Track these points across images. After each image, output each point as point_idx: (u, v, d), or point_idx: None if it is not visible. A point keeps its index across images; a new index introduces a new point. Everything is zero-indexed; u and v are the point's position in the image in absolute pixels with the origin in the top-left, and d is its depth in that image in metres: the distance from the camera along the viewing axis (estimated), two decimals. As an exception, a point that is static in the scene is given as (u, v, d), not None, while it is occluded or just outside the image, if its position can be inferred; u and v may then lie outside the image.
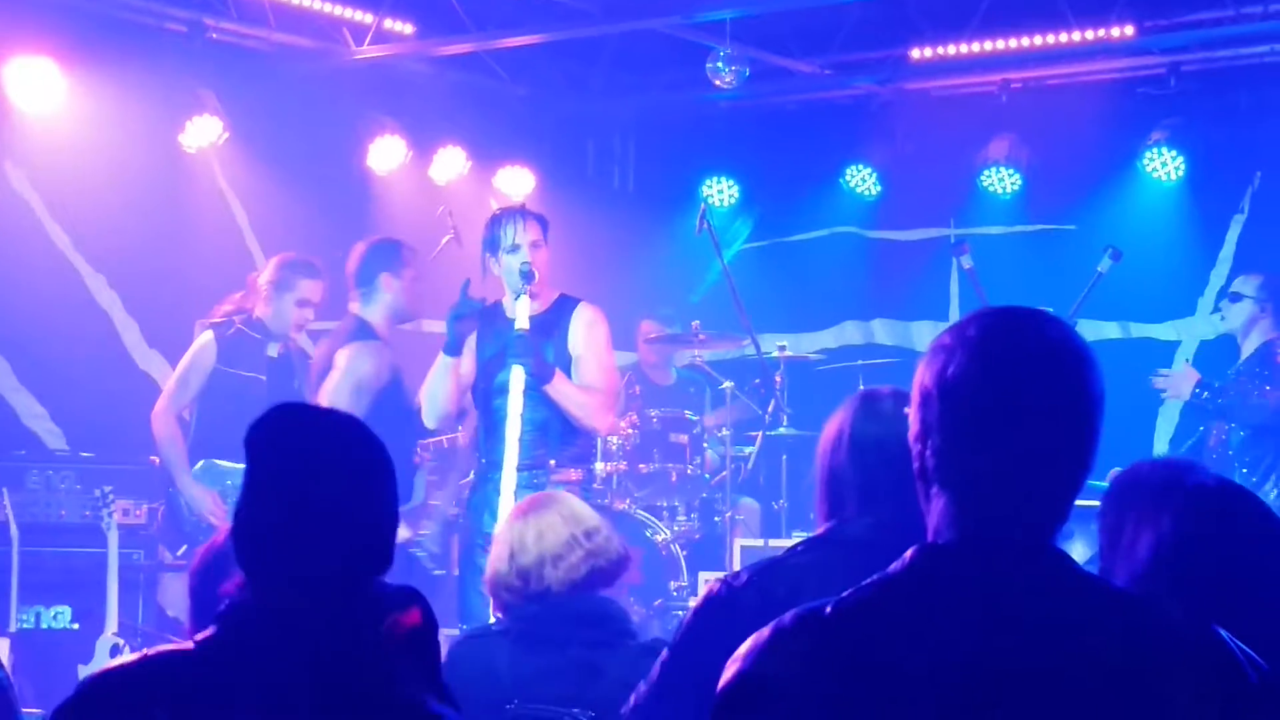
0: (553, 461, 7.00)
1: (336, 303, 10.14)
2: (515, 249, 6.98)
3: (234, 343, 8.06)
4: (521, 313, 6.89)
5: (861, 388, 3.86)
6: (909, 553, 2.23)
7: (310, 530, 2.50)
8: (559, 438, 7.01)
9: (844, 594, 2.22)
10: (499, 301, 7.16)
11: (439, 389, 7.17)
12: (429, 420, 7.28)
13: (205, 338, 8.10)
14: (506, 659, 4.26)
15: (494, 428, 7.05)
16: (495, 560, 4.41)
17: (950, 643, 2.12)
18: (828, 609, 2.20)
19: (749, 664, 2.21)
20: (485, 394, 7.13)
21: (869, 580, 2.25)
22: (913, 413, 2.29)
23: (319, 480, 2.53)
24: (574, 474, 7.06)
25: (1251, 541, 2.88)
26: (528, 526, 4.38)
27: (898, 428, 3.53)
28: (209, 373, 8.03)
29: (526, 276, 6.89)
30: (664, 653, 3.59)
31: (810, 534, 3.68)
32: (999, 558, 2.18)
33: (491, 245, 7.07)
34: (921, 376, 2.29)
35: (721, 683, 2.23)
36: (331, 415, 2.68)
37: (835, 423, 3.68)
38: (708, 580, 3.66)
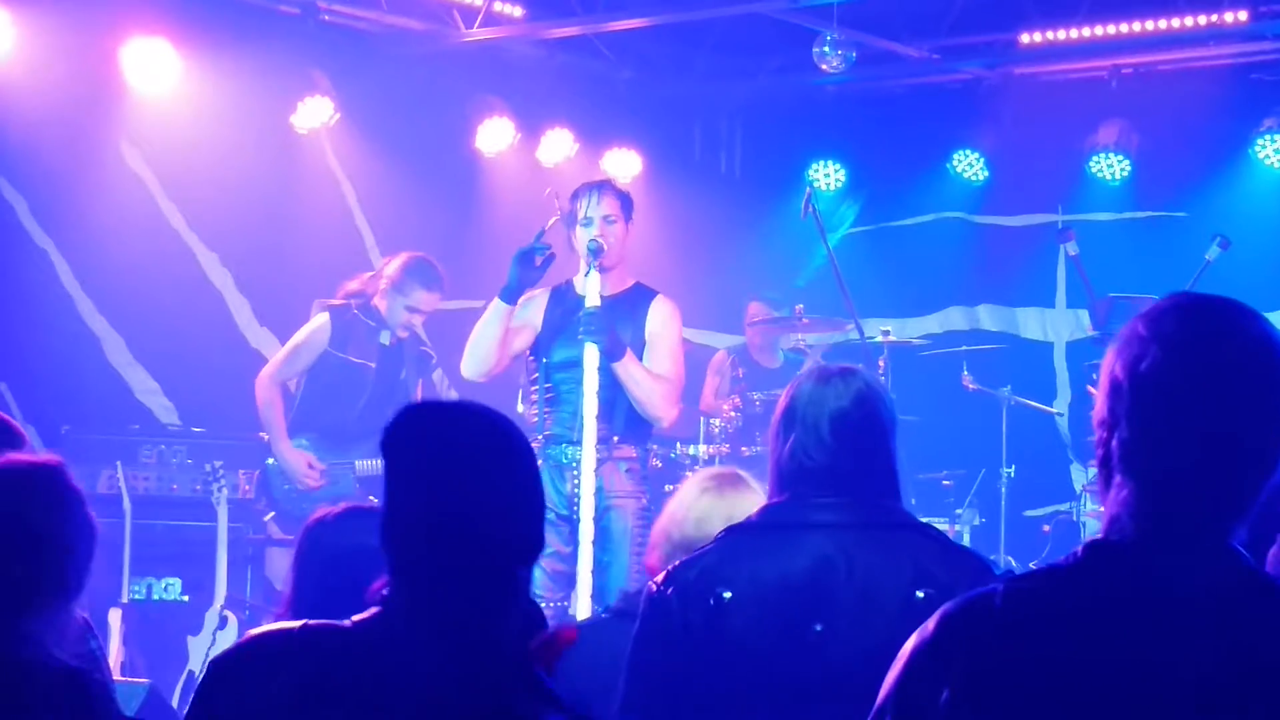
0: (616, 437, 6.96)
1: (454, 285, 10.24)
2: (588, 222, 6.96)
3: (348, 327, 8.14)
4: (592, 290, 6.83)
5: (818, 365, 3.84)
6: (1081, 546, 2.21)
7: (453, 523, 2.50)
8: (624, 415, 6.97)
9: (1015, 582, 2.21)
10: (571, 280, 7.13)
11: (486, 334, 7.04)
12: (467, 369, 7.14)
13: (321, 319, 8.19)
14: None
15: (556, 403, 7.01)
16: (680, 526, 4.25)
17: (1124, 642, 2.11)
18: (997, 600, 2.18)
19: (911, 655, 2.22)
20: (547, 369, 7.05)
21: (1039, 569, 2.24)
22: (1100, 401, 2.25)
23: (457, 472, 2.53)
24: (633, 451, 7.02)
25: None
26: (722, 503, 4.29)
27: (835, 405, 3.59)
28: (320, 353, 8.12)
29: (595, 251, 6.83)
30: (626, 657, 3.64)
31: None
32: (1179, 556, 2.15)
33: (570, 218, 7.07)
34: (1112, 365, 2.23)
35: (891, 675, 2.24)
36: (465, 407, 2.66)
37: (780, 402, 3.71)
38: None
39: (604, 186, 7.12)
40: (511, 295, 7.02)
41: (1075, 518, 9.08)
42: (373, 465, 8.05)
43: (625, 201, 7.07)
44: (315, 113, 9.43)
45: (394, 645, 2.47)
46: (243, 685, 2.47)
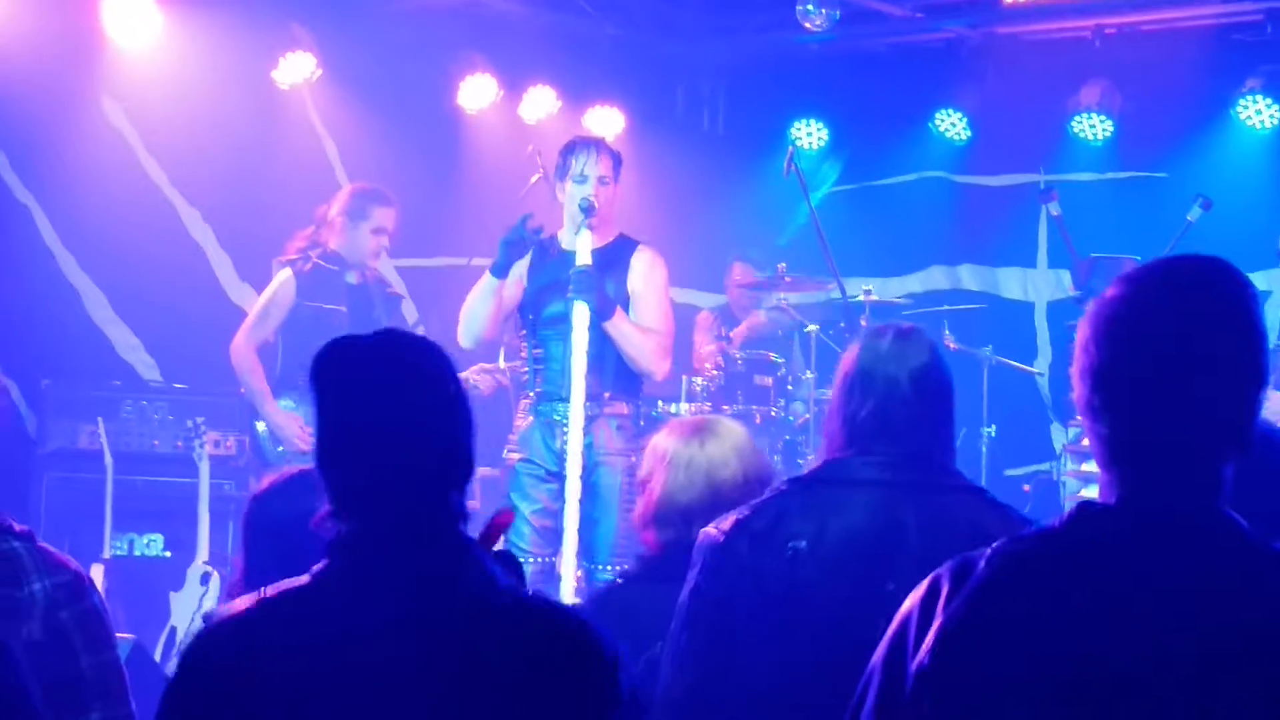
0: (607, 394, 6.96)
1: (422, 239, 10.23)
2: (582, 179, 6.94)
3: (312, 277, 8.13)
4: (583, 248, 6.84)
5: (884, 324, 3.84)
6: (1071, 508, 2.23)
7: (386, 452, 2.52)
8: (613, 371, 6.97)
9: (1001, 545, 2.22)
10: (554, 235, 7.13)
11: (480, 309, 7.11)
12: (464, 340, 7.18)
13: (284, 275, 8.18)
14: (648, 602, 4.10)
15: (544, 359, 7.04)
16: (676, 486, 4.23)
17: (1104, 604, 2.11)
18: (982, 562, 2.20)
19: (904, 615, 2.24)
20: (534, 325, 7.09)
21: (1028, 533, 2.25)
22: (1077, 363, 2.26)
23: (384, 400, 2.55)
24: (624, 408, 7.03)
25: None
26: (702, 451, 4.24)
27: (907, 365, 3.60)
28: (290, 308, 8.11)
29: (586, 210, 6.84)
30: (681, 604, 3.64)
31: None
32: (1167, 518, 2.16)
33: (561, 171, 7.05)
34: (1087, 329, 2.24)
35: (886, 637, 2.26)
36: (387, 336, 2.69)
37: (846, 359, 3.69)
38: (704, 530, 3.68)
39: (600, 145, 7.11)
40: (502, 271, 7.08)
41: (1055, 477, 9.13)
42: None
43: (617, 162, 7.08)
44: (297, 68, 9.41)
45: (352, 589, 2.48)
46: (215, 676, 2.47)
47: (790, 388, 9.23)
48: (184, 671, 2.52)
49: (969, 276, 11.24)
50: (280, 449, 8.15)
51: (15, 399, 8.81)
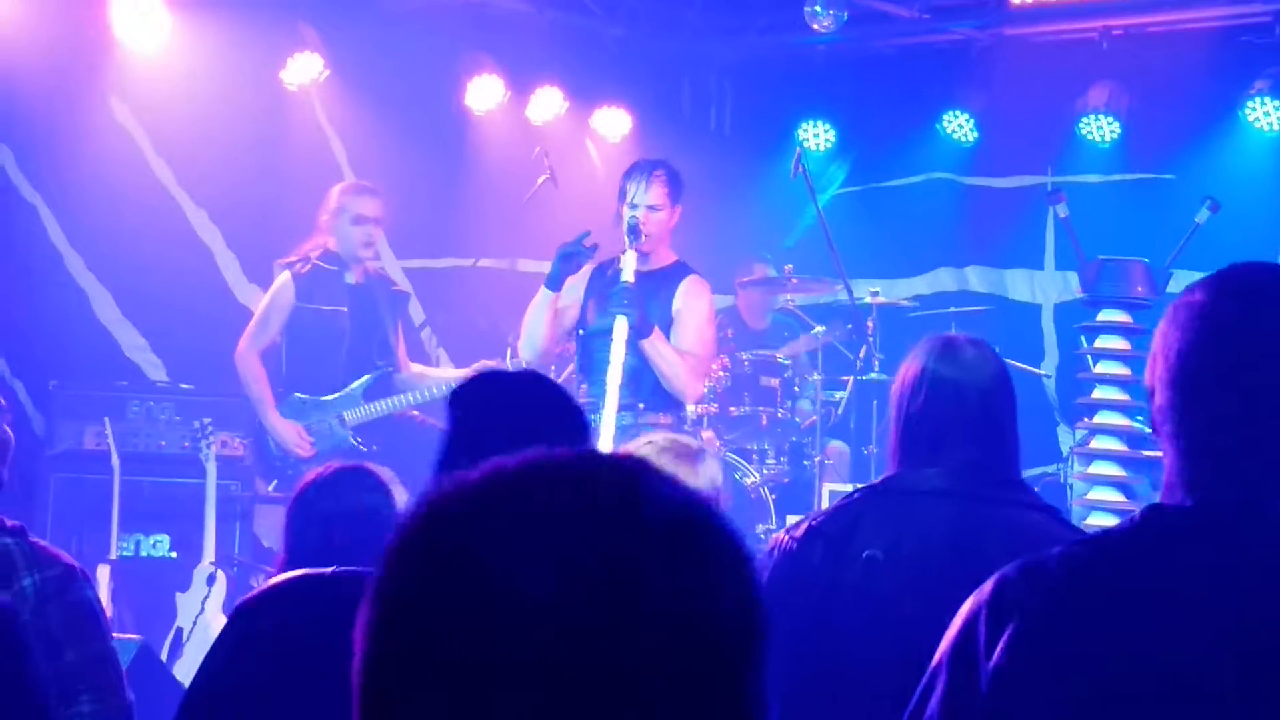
0: (641, 405, 7.14)
1: (429, 240, 10.24)
2: (634, 206, 7.15)
3: (311, 278, 8.16)
4: (628, 266, 7.05)
5: (948, 333, 3.82)
6: (1138, 512, 2.22)
7: None
8: (651, 384, 7.16)
9: (1063, 550, 2.21)
10: (617, 255, 7.29)
11: (536, 322, 7.31)
12: (524, 352, 7.39)
13: (283, 278, 8.22)
14: None
15: (591, 370, 7.23)
16: None
17: (1179, 609, 2.11)
18: (1054, 564, 2.19)
19: (969, 616, 2.23)
20: (586, 338, 7.32)
21: (1095, 535, 2.25)
22: (1148, 371, 2.26)
23: (517, 442, 2.56)
24: (664, 419, 7.16)
25: None
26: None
27: (975, 375, 3.56)
28: (289, 311, 8.14)
29: (633, 233, 7.07)
30: None
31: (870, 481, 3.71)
32: (1231, 523, 2.16)
33: (620, 193, 7.26)
34: (1158, 335, 2.25)
35: (949, 636, 2.26)
36: (525, 377, 2.73)
37: (912, 366, 3.64)
38: (772, 533, 3.67)
39: (654, 175, 7.26)
40: (555, 283, 7.29)
41: (1062, 479, 9.10)
42: (363, 412, 8.11)
43: (674, 189, 7.26)
44: (305, 69, 9.42)
45: None
46: (260, 619, 2.50)
47: (797, 389, 9.23)
48: (236, 614, 2.57)
49: (976, 278, 11.23)
50: (283, 452, 8.16)
51: (21, 399, 8.82)
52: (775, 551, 3.59)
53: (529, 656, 1.16)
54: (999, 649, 2.17)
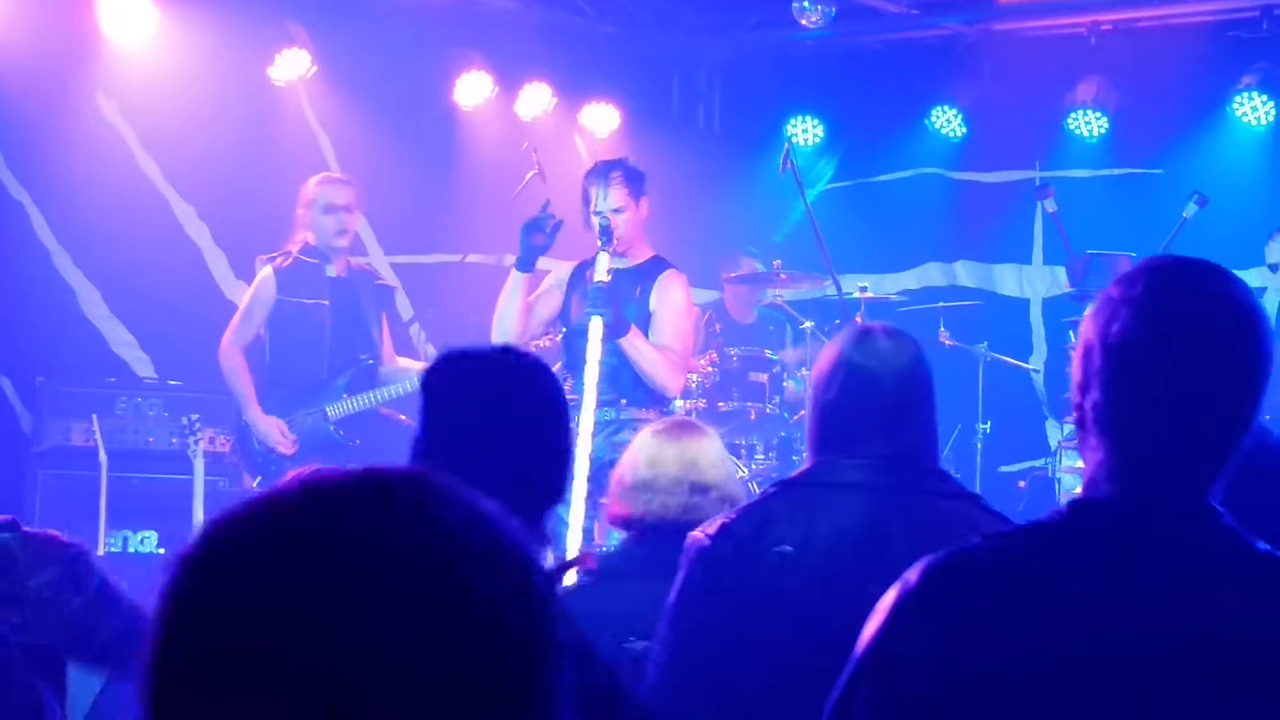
0: (624, 400, 7.17)
1: (417, 236, 10.23)
2: (599, 212, 7.18)
3: (292, 272, 8.16)
4: (601, 266, 7.05)
5: (867, 323, 3.80)
6: (1065, 504, 2.23)
7: (489, 467, 2.50)
8: (632, 380, 7.18)
9: (989, 541, 2.22)
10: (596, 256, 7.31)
11: (508, 307, 7.32)
12: (496, 338, 7.30)
13: (264, 273, 8.23)
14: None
15: (574, 368, 7.23)
16: (633, 470, 4.39)
17: (1104, 600, 2.12)
18: (981, 554, 2.20)
19: (891, 608, 2.23)
20: (569, 336, 7.34)
21: (1017, 528, 2.25)
22: (1075, 364, 2.26)
23: (493, 418, 2.54)
24: (647, 414, 7.13)
25: None
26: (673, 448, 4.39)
27: (891, 364, 3.56)
28: (271, 305, 8.14)
29: (605, 236, 7.09)
30: (668, 608, 3.60)
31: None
32: (1157, 516, 2.17)
33: (584, 197, 7.28)
34: (1086, 328, 2.25)
35: (872, 627, 2.25)
36: (501, 353, 2.70)
37: (828, 356, 3.61)
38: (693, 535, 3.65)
39: (610, 177, 7.29)
40: (525, 264, 7.30)
41: (1050, 474, 9.12)
42: (345, 406, 8.10)
43: (634, 187, 7.29)
44: (292, 65, 9.40)
45: None
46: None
47: (785, 378, 9.22)
48: None
49: (964, 273, 11.24)
50: (263, 449, 8.16)
51: (8, 396, 8.81)
52: (691, 550, 3.58)
53: (297, 668, 1.18)
54: (931, 643, 2.17)
